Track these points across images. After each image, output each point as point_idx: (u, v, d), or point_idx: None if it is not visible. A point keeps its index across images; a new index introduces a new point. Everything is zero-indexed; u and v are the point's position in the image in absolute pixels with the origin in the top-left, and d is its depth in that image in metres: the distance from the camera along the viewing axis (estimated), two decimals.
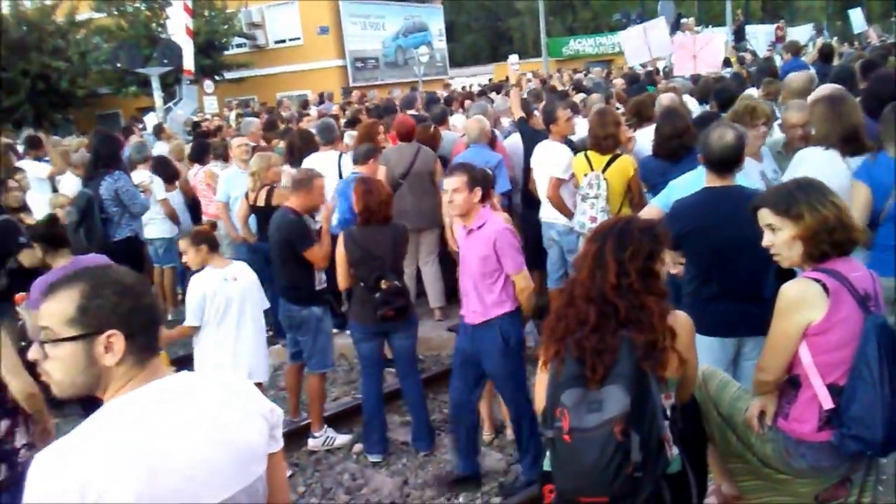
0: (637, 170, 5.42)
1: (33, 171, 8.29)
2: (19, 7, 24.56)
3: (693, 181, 4.21)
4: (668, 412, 2.52)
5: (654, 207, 4.37)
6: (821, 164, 3.84)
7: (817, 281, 2.58)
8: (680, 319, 2.52)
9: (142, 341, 1.66)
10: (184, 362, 6.49)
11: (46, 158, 9.36)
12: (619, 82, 12.94)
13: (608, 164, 5.41)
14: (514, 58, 9.17)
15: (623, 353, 2.37)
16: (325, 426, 5.30)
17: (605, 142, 5.49)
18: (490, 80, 23.46)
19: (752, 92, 7.34)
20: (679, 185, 4.26)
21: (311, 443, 5.25)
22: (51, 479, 1.49)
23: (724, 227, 3.47)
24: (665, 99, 6.72)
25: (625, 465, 2.29)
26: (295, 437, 5.36)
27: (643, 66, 13.82)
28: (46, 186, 8.58)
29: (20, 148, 10.29)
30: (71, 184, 7.76)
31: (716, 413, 3.02)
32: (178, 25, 14.99)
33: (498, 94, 12.83)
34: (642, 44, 12.80)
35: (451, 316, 7.01)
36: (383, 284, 4.66)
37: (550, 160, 5.94)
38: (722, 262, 3.52)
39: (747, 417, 2.83)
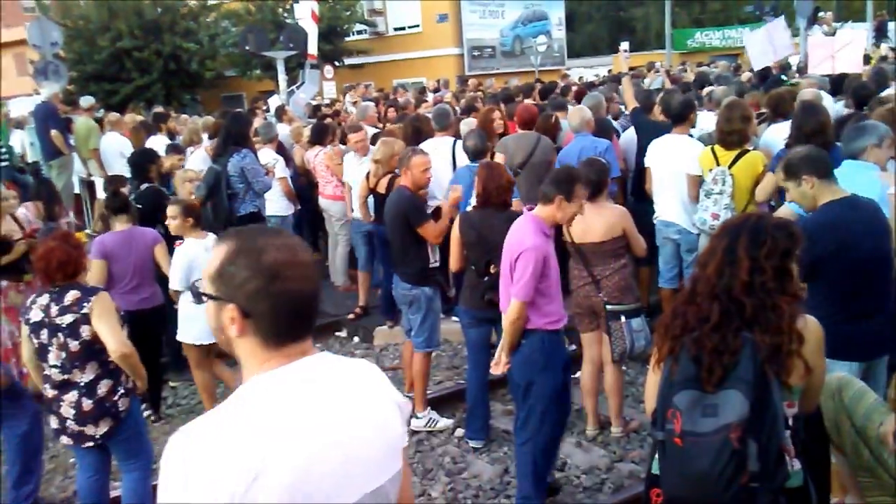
0: (766, 166, 5.16)
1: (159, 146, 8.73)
2: None
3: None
4: (790, 422, 2.38)
5: (787, 209, 4.17)
6: None
7: None
8: (810, 324, 2.38)
9: (269, 326, 1.51)
10: None
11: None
12: (746, 76, 12.42)
13: (735, 160, 5.18)
14: (625, 45, 8.98)
15: (745, 355, 2.25)
16: (429, 408, 5.35)
17: (731, 137, 5.27)
18: (609, 71, 22.95)
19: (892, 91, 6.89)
20: None
21: (413, 423, 5.31)
22: (210, 461, 1.38)
23: (863, 242, 3.28)
24: (807, 94, 6.37)
25: (740, 474, 2.18)
26: None
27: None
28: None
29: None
30: (199, 160, 8.12)
31: (849, 424, 2.85)
32: (304, 10, 15.34)
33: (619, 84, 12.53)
34: (767, 46, 12.19)
35: None
36: (492, 269, 4.65)
37: (681, 156, 5.73)
38: (866, 280, 3.32)
39: (882, 433, 2.65)
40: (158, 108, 13.73)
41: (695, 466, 2.23)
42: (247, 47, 16.59)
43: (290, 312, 1.53)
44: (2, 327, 5.70)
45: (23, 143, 12.46)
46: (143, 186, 6.29)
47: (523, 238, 3.82)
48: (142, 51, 24.20)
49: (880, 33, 21.38)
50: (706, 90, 9.48)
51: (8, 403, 4.45)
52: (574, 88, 11.78)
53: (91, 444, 3.92)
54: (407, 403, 1.71)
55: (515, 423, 4.18)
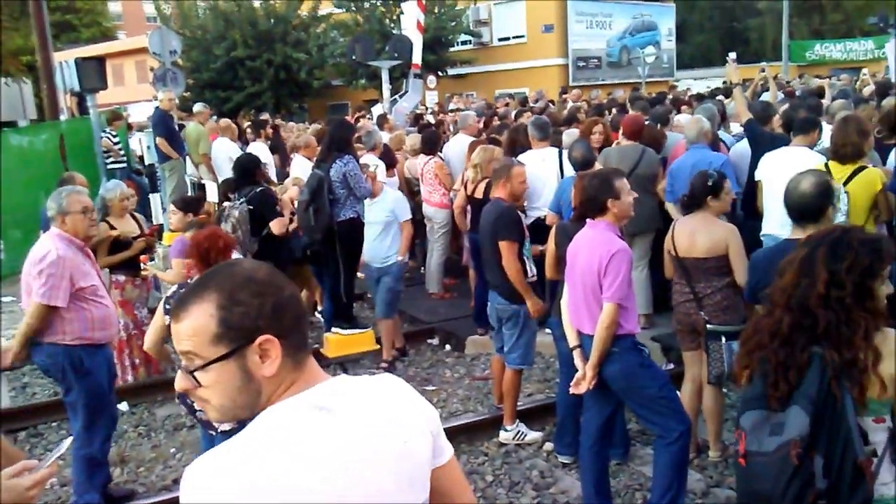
0: (886, 185, 4.85)
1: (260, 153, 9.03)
2: (269, 2, 26.83)
3: None
4: (883, 437, 2.23)
5: None
6: None
7: None
8: (891, 341, 2.22)
9: (295, 339, 1.42)
10: None
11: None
12: (867, 91, 11.79)
13: (851, 177, 4.89)
14: (732, 55, 8.70)
15: (812, 370, 2.18)
16: (518, 421, 5.29)
17: (844, 150, 4.98)
18: (724, 83, 22.23)
19: None
20: None
21: (502, 435, 5.27)
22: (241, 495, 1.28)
23: None
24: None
25: (807, 492, 2.10)
26: (487, 427, 5.41)
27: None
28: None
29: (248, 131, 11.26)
30: (302, 165, 8.34)
31: None
32: (410, 20, 15.62)
33: (727, 97, 12.12)
34: None
35: (655, 324, 6.74)
36: None
37: (800, 168, 5.46)
38: None
39: None
40: (265, 116, 14.23)
41: (758, 486, 2.20)
42: (353, 57, 16.99)
43: (301, 320, 1.46)
44: (119, 320, 5.99)
45: (141, 146, 13.17)
46: (257, 189, 6.50)
47: (609, 242, 3.82)
48: (254, 60, 25.22)
49: None
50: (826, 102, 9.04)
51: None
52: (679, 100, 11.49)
53: (213, 432, 3.86)
54: (435, 417, 1.57)
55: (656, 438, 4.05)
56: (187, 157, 11.35)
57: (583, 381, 3.95)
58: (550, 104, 14.37)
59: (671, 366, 6.08)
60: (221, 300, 1.37)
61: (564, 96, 16.54)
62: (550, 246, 4.81)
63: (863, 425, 2.20)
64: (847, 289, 2.23)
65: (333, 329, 6.54)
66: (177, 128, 11.36)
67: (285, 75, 25.97)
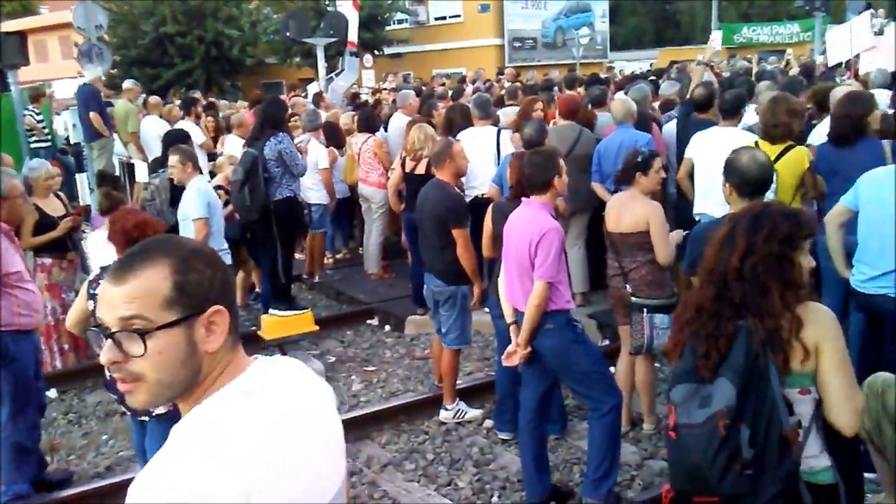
0: (812, 162, 5.02)
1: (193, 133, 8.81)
2: None
3: (884, 177, 3.87)
4: (799, 408, 2.30)
5: (843, 206, 4.05)
6: None
7: None
8: (813, 309, 2.29)
9: (235, 319, 1.38)
10: None
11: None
12: (793, 72, 12.16)
13: (780, 156, 5.03)
14: (717, 34, 8.77)
15: (738, 342, 2.24)
16: (458, 399, 5.33)
17: (775, 130, 5.13)
18: (652, 64, 22.65)
19: None
20: (869, 181, 3.92)
21: (442, 414, 5.30)
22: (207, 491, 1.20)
23: None
24: (839, 92, 6.18)
25: (734, 463, 2.16)
26: (427, 406, 5.44)
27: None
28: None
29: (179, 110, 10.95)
30: (236, 144, 8.17)
31: (891, 428, 2.75)
32: None
33: (658, 79, 12.34)
34: (847, 42, 11.87)
35: (591, 302, 6.86)
36: None
37: (729, 148, 5.60)
38: None
39: None
40: (196, 94, 13.86)
41: (688, 458, 2.24)
42: (287, 34, 16.70)
43: (235, 299, 1.42)
44: (46, 304, 5.78)
45: (66, 124, 12.68)
46: None
47: (541, 221, 3.86)
48: (184, 36, 24.53)
49: None
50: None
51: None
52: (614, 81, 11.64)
53: (146, 417, 3.80)
54: (334, 395, 1.56)
55: (589, 411, 4.13)
56: (115, 136, 10.99)
57: (514, 354, 4.03)
58: (493, 84, 14.39)
59: (606, 341, 6.21)
60: (176, 264, 1.31)
61: (501, 77, 16.58)
62: (488, 224, 4.82)
63: (788, 396, 2.26)
64: (759, 256, 2.27)
65: (271, 311, 6.46)
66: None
67: (217, 52, 25.35)
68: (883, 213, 3.81)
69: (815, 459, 2.31)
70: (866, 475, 2.98)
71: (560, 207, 5.12)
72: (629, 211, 4.48)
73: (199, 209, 5.64)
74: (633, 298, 4.51)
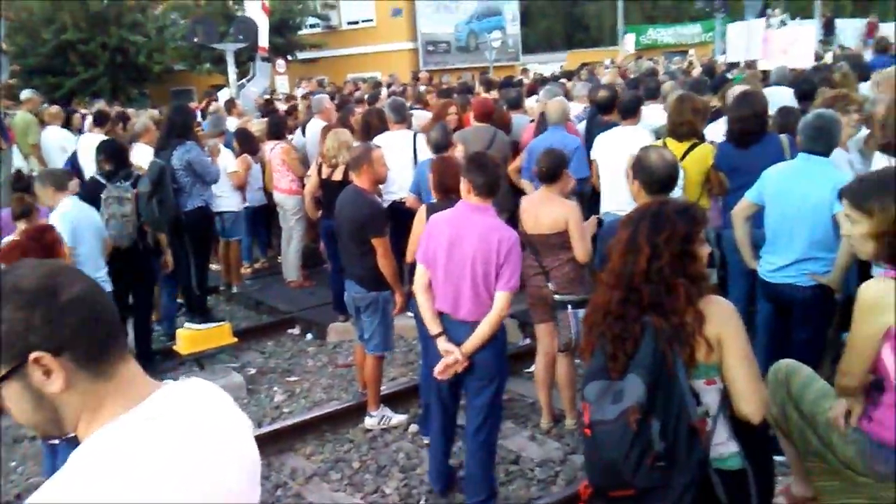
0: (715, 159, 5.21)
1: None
2: None
3: (787, 170, 4.04)
4: (705, 398, 2.39)
5: (747, 201, 4.20)
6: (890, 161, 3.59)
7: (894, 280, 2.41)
8: (715, 303, 2.39)
9: (85, 348, 1.24)
10: None
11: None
12: (696, 73, 12.61)
13: (686, 153, 5.20)
14: (629, 36, 9.03)
15: (646, 339, 2.31)
16: (382, 405, 5.30)
17: (681, 129, 5.30)
18: (561, 67, 23.09)
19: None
20: (774, 176, 4.08)
21: (367, 421, 5.25)
22: None
23: None
24: (736, 90, 6.44)
25: (647, 455, 2.22)
26: (352, 414, 5.38)
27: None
28: None
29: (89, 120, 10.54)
30: (142, 153, 7.91)
31: (796, 412, 2.87)
32: (254, 3, 15.14)
33: (570, 81, 12.60)
34: (743, 42, 12.39)
35: (512, 302, 6.89)
36: None
37: (631, 147, 5.75)
38: None
39: (831, 417, 2.68)
40: (101, 104, 13.35)
41: (604, 454, 2.30)
42: (195, 39, 16.31)
43: (87, 323, 1.26)
44: None
45: None
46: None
47: (504, 229, 3.77)
48: (87, 43, 23.63)
49: (828, 30, 21.93)
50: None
51: None
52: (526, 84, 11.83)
53: (56, 441, 3.67)
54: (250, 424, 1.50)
55: (475, 419, 3.99)
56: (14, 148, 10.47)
57: (454, 366, 3.83)
58: (408, 88, 14.40)
59: (527, 340, 6.28)
60: None
61: (416, 80, 16.62)
62: (418, 229, 4.75)
63: (695, 387, 2.34)
64: (665, 258, 2.35)
65: (186, 324, 6.27)
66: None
67: (122, 59, 24.49)
68: (787, 206, 3.97)
69: (724, 446, 2.40)
70: (776, 458, 3.11)
71: None
72: (547, 212, 4.54)
73: (64, 237, 5.13)
74: (556, 296, 4.58)
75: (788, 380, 2.95)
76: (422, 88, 13.29)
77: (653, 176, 3.54)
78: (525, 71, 20.31)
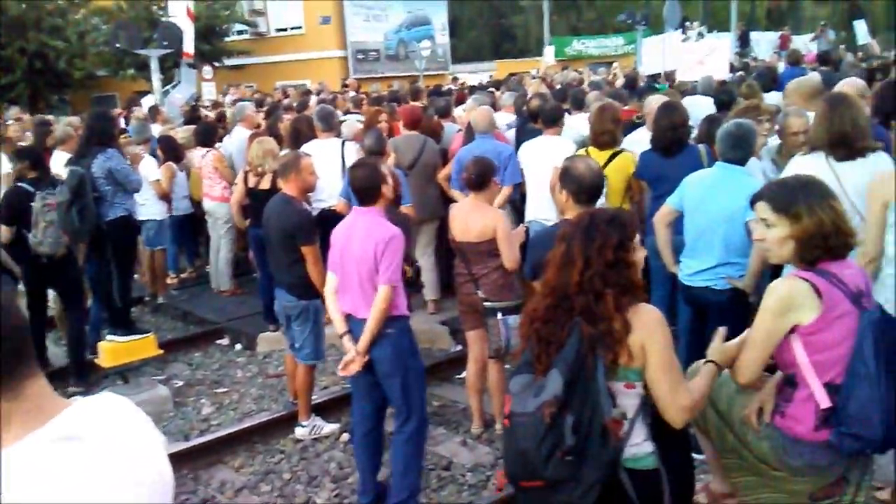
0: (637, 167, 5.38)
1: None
2: None
3: (706, 179, 4.18)
4: (634, 402, 2.47)
5: (668, 207, 4.34)
6: (805, 168, 3.75)
7: (806, 280, 2.53)
8: (643, 312, 2.46)
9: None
10: None
11: None
12: (619, 83, 12.95)
13: (608, 161, 5.35)
14: (549, 49, 9.21)
15: (572, 338, 2.38)
16: (313, 415, 5.26)
17: (603, 137, 5.45)
18: (491, 76, 23.37)
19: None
20: (693, 183, 4.23)
21: (298, 431, 5.21)
22: None
23: None
24: (653, 101, 6.65)
25: (558, 448, 2.28)
26: (283, 425, 5.33)
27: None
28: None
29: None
30: (61, 162, 7.66)
31: (712, 411, 2.98)
32: (178, 8, 14.82)
33: (498, 90, 12.77)
34: (659, 55, 12.77)
35: (444, 309, 6.97)
36: (406, 267, 4.62)
37: (555, 155, 5.87)
38: None
39: (745, 414, 2.79)
40: (15, 110, 12.86)
41: (519, 444, 2.36)
42: (117, 45, 15.88)
43: (8, 342, 1.20)
44: None
45: None
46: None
47: (386, 227, 3.91)
48: (4, 48, 22.72)
49: (743, 43, 22.82)
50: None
51: None
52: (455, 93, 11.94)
53: None
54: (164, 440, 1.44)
55: (396, 419, 4.10)
56: None
57: (352, 363, 3.96)
58: (338, 96, 14.35)
59: (459, 347, 6.33)
60: None
61: (345, 88, 16.56)
62: None
63: (614, 390, 2.42)
64: (597, 268, 2.42)
65: (108, 336, 6.09)
66: None
67: (42, 65, 23.61)
68: (705, 213, 4.12)
69: (639, 447, 2.48)
70: (696, 456, 3.22)
71: (409, 216, 5.20)
72: (475, 220, 4.59)
73: None
74: (486, 303, 4.63)
75: None
76: (352, 94, 13.28)
77: (581, 186, 3.62)
78: (454, 80, 20.49)
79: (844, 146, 3.76)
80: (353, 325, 4.02)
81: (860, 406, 2.46)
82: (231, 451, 5.09)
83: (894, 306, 3.40)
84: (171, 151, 8.30)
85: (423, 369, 4.23)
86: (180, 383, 6.39)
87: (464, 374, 5.26)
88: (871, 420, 2.45)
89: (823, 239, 2.53)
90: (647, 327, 2.43)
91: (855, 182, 3.64)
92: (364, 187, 3.97)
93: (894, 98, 4.72)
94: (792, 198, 2.60)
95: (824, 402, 2.55)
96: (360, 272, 3.92)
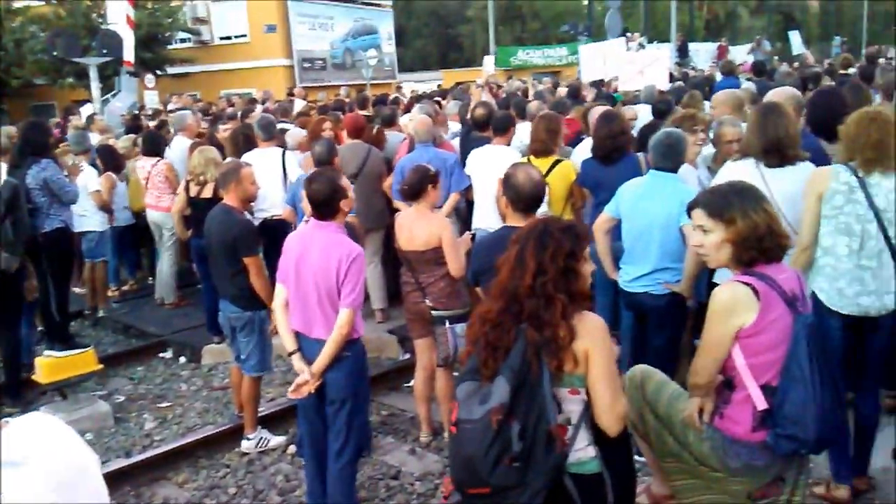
0: (578, 175, 5.46)
1: None
2: None
3: (640, 186, 4.26)
4: (578, 408, 2.52)
5: (606, 215, 4.41)
6: (735, 174, 3.85)
7: (746, 284, 2.60)
8: (588, 320, 2.52)
9: None
10: None
11: None
12: (561, 92, 13.11)
13: (550, 169, 5.43)
14: (489, 58, 9.28)
15: (518, 345, 2.41)
16: (259, 427, 5.19)
17: (541, 146, 5.53)
18: (439, 85, 23.47)
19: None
20: (628, 191, 4.31)
21: (244, 444, 5.14)
22: None
23: None
24: (596, 112, 6.76)
25: (504, 455, 2.31)
26: (228, 438, 5.25)
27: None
28: None
29: None
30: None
31: (652, 415, 3.04)
32: (118, 15, 14.57)
33: (444, 99, 12.84)
34: (599, 63, 12.97)
35: (392, 318, 6.96)
36: None
37: (501, 164, 5.91)
38: None
39: (686, 416, 2.85)
40: None
41: (465, 451, 2.38)
42: (55, 52, 15.51)
43: None
44: None
45: None
46: None
47: (347, 245, 3.73)
48: None
49: (682, 53, 23.39)
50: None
51: None
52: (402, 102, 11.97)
53: None
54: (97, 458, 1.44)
55: (335, 443, 3.92)
56: None
57: (305, 387, 3.77)
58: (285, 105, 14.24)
59: (407, 355, 6.33)
60: None
61: (291, 97, 16.44)
62: None
63: (559, 395, 2.46)
64: (550, 274, 2.46)
65: (46, 352, 5.93)
66: None
67: None
68: (641, 220, 4.21)
69: (583, 452, 2.53)
70: (637, 459, 3.28)
71: (354, 225, 5.18)
72: (421, 229, 4.60)
73: None
74: (433, 312, 4.64)
75: (643, 385, 3.12)
76: (300, 102, 13.20)
77: (519, 194, 3.66)
78: (399, 88, 20.51)
79: (776, 153, 3.88)
80: (305, 343, 3.84)
81: (795, 408, 2.54)
82: (174, 467, 4.99)
83: (827, 294, 3.54)
84: (110, 161, 8.14)
85: (369, 394, 4.13)
86: (122, 398, 6.25)
87: (412, 383, 5.26)
88: (805, 422, 2.53)
89: (758, 241, 2.61)
90: (592, 335, 2.48)
91: (782, 188, 3.75)
92: (322, 201, 3.77)
93: (826, 106, 4.88)
94: (726, 203, 2.67)
95: (761, 403, 2.62)
96: (318, 290, 3.73)
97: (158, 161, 7.90)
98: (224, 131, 8.43)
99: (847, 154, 3.54)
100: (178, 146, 8.32)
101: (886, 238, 3.42)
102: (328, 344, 3.72)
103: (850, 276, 3.50)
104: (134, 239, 8.83)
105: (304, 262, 3.78)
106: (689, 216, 2.85)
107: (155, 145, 8.12)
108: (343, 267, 3.65)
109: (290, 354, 3.89)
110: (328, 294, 3.71)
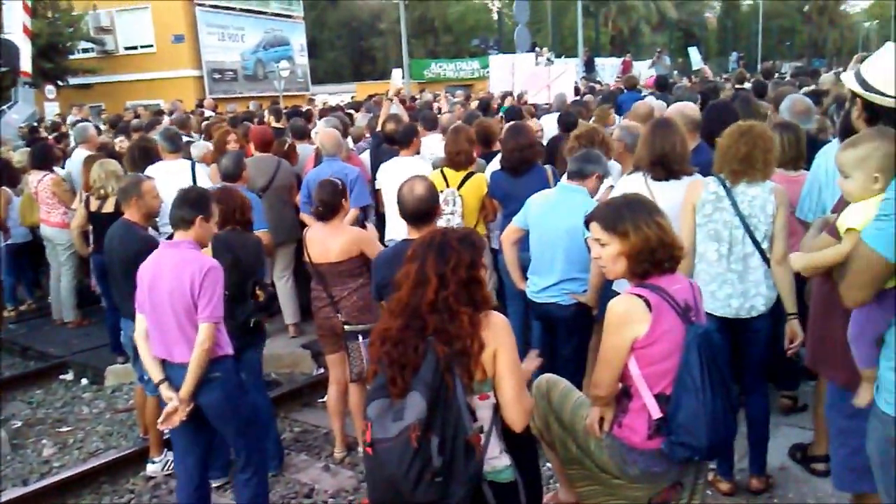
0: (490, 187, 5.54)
1: None
2: None
3: (548, 198, 4.34)
4: (489, 413, 2.54)
5: (514, 227, 4.47)
6: (626, 186, 4.04)
7: (639, 297, 2.66)
8: (492, 325, 2.53)
9: None
10: None
11: None
12: (473, 105, 13.30)
13: (463, 181, 5.49)
14: (397, 71, 9.32)
15: (428, 358, 2.40)
16: (166, 450, 5.03)
17: (458, 157, 5.59)
18: (352, 97, 23.41)
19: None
20: (536, 203, 4.39)
21: (149, 468, 4.97)
22: None
23: None
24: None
25: (426, 471, 2.31)
26: (132, 462, 5.07)
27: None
28: None
29: None
30: None
31: (557, 423, 3.10)
32: (14, 24, 13.94)
33: (357, 111, 12.81)
34: (508, 74, 13.21)
35: (305, 332, 6.88)
36: (259, 292, 4.49)
37: (410, 175, 5.94)
38: None
39: (587, 425, 2.91)
40: None
41: (385, 471, 2.36)
42: None
43: None
44: None
45: None
46: None
47: (199, 260, 3.58)
48: None
49: (589, 68, 24.09)
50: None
51: None
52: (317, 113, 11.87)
53: None
54: None
55: (237, 462, 3.86)
56: None
57: (175, 415, 3.58)
58: (190, 116, 13.89)
59: (321, 370, 6.26)
60: None
61: (201, 109, 16.08)
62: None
63: (471, 403, 2.48)
64: (451, 287, 2.47)
65: None
66: None
67: None
68: (547, 231, 4.29)
69: (497, 460, 2.56)
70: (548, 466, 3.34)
71: (264, 240, 5.10)
72: (336, 240, 4.56)
73: None
74: (346, 326, 4.59)
75: (549, 393, 3.18)
76: (208, 113, 12.91)
77: (403, 208, 3.67)
78: (311, 100, 20.35)
79: (662, 167, 4.05)
80: (170, 370, 3.63)
81: (687, 416, 2.61)
82: (75, 494, 4.78)
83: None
84: (5, 175, 7.77)
85: (261, 405, 4.00)
86: (18, 423, 5.95)
87: (325, 398, 5.20)
88: (697, 430, 2.60)
89: (650, 254, 2.68)
90: (497, 334, 2.51)
91: (668, 201, 3.85)
92: (176, 214, 3.65)
93: (718, 120, 5.09)
94: (619, 217, 2.74)
95: (655, 412, 2.69)
96: (175, 311, 3.55)
97: (45, 175, 7.58)
98: (120, 142, 8.16)
99: (718, 165, 3.73)
100: (78, 158, 8.01)
101: (754, 241, 3.62)
102: (191, 363, 3.54)
103: (721, 280, 3.69)
104: (31, 256, 8.44)
105: (157, 286, 3.60)
106: (588, 229, 2.91)
107: (42, 158, 7.77)
108: (196, 281, 3.51)
109: (158, 385, 3.67)
110: (186, 313, 3.55)
